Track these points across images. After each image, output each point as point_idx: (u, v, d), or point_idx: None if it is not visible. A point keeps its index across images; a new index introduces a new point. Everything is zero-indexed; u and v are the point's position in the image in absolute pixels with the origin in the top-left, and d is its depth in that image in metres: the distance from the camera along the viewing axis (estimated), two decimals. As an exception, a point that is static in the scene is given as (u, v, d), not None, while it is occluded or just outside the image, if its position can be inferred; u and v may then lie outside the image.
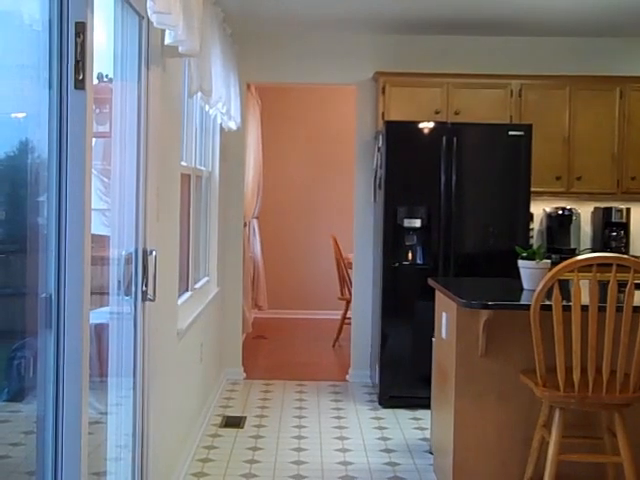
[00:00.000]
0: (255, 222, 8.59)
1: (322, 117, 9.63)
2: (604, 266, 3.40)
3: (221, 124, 5.86)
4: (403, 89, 6.36)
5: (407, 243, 5.88)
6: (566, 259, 3.52)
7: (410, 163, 5.85)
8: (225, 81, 5.18)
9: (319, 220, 9.70)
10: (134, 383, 3.28)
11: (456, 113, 6.30)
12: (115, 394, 3.22)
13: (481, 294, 4.25)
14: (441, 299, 4.44)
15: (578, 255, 3.90)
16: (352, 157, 6.85)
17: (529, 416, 3.95)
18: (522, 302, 3.89)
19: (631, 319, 3.44)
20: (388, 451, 4.94)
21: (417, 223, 5.84)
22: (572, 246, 6.58)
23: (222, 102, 5.01)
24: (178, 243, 4.28)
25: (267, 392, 6.29)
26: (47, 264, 2.34)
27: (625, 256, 3.70)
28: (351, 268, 7.11)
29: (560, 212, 6.62)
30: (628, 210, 6.60)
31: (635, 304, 3.46)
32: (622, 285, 3.43)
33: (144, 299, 3.25)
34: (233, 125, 5.90)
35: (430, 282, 4.71)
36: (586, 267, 3.39)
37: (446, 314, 4.28)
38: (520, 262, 4.22)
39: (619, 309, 3.44)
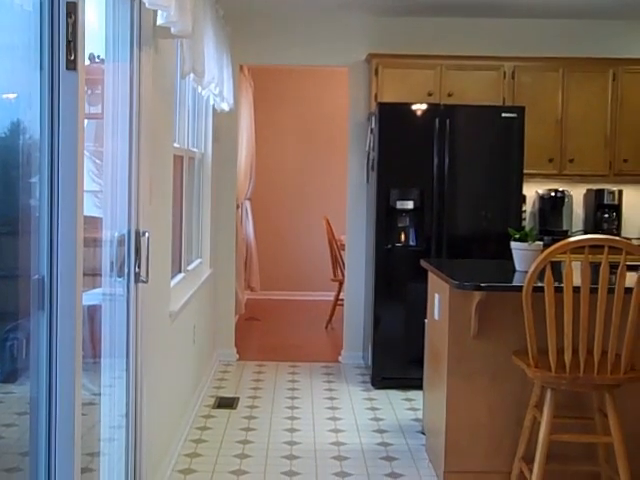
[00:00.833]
0: (248, 204, 8.58)
1: (315, 99, 9.60)
2: (596, 248, 3.41)
3: (214, 105, 5.84)
4: (396, 71, 6.34)
5: (400, 225, 5.89)
6: (558, 241, 3.53)
7: (403, 145, 5.85)
8: (218, 62, 5.16)
9: (312, 202, 9.70)
10: (127, 364, 3.28)
11: (449, 95, 6.29)
12: (108, 375, 3.22)
13: (474, 275, 4.27)
14: (434, 281, 4.45)
15: (570, 237, 3.91)
16: (345, 139, 6.84)
17: (521, 397, 3.97)
18: (514, 284, 3.91)
19: (622, 300, 3.46)
20: (381, 432, 4.97)
21: (410, 205, 5.84)
22: (564, 228, 6.59)
23: (215, 83, 4.99)
24: (171, 225, 4.28)
25: (260, 373, 6.31)
26: (39, 246, 2.33)
27: (617, 238, 3.71)
28: (344, 249, 7.12)
29: (552, 194, 6.63)
30: (620, 192, 6.61)
31: (627, 285, 3.48)
32: (614, 267, 3.45)
33: (137, 281, 3.25)
34: (226, 106, 5.88)
35: (423, 264, 4.72)
36: (578, 249, 3.40)
37: (439, 295, 4.29)
38: (512, 244, 4.23)
39: (611, 290, 3.45)
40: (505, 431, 4.04)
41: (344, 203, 6.87)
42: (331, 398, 5.67)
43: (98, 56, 3.14)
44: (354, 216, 6.73)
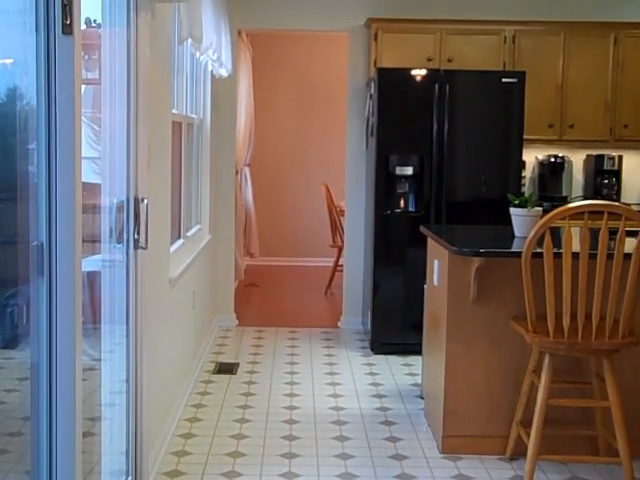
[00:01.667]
0: (247, 170, 8.55)
1: (314, 64, 9.54)
2: (595, 214, 3.41)
3: (212, 71, 5.80)
4: (395, 36, 6.29)
5: (399, 191, 5.88)
6: (558, 207, 3.53)
7: (402, 110, 5.82)
8: (216, 27, 5.12)
9: (311, 167, 9.67)
10: (127, 330, 3.29)
11: (449, 60, 6.25)
12: (109, 341, 3.23)
13: (473, 241, 4.27)
14: (433, 246, 4.45)
15: (570, 203, 3.91)
16: (344, 104, 6.80)
17: (519, 362, 3.99)
18: (514, 249, 3.92)
19: (621, 266, 3.46)
20: (379, 396, 5.00)
21: (409, 171, 5.83)
22: (564, 194, 6.58)
23: (213, 49, 4.95)
24: (170, 191, 4.27)
25: (259, 339, 6.34)
26: (38, 212, 2.33)
27: (616, 204, 3.71)
28: (343, 216, 7.12)
29: (552, 160, 6.61)
30: (620, 158, 6.59)
31: (625, 251, 3.48)
32: (613, 232, 3.45)
33: (136, 247, 3.25)
34: (224, 72, 5.84)
35: (422, 229, 4.72)
36: (577, 215, 3.40)
37: (438, 261, 4.30)
38: (512, 210, 4.22)
39: (610, 256, 3.46)
40: (503, 396, 4.06)
41: (343, 169, 6.85)
42: (330, 363, 5.70)
43: (94, 20, 3.11)
44: (353, 182, 6.71)
